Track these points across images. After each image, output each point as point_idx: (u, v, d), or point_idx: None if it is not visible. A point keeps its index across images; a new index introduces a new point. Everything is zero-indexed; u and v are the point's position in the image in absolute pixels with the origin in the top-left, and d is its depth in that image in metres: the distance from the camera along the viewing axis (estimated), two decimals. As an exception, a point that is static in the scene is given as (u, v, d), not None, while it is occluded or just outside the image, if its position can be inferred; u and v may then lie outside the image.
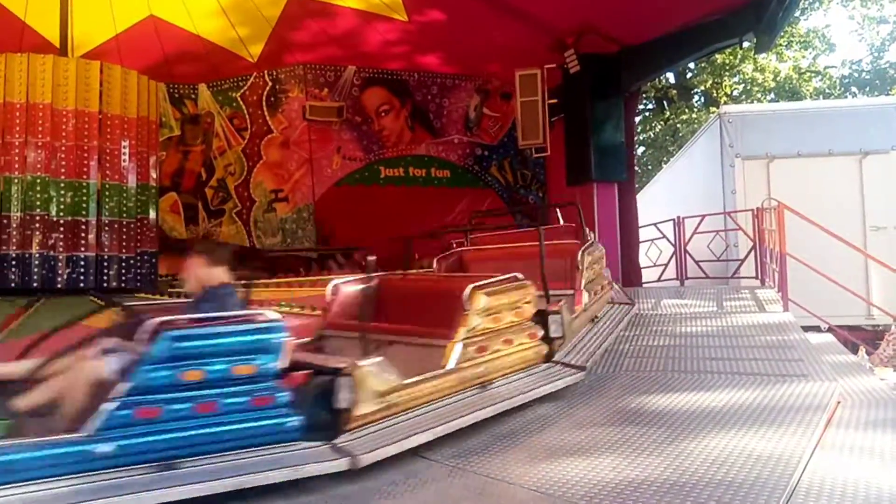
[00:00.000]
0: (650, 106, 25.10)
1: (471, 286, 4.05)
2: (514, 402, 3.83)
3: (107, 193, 7.69)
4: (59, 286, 7.26)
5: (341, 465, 2.89)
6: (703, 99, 24.37)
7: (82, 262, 7.47)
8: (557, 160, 10.00)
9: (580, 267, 5.49)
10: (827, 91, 23.22)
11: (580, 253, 5.59)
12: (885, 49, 23.55)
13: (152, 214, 8.30)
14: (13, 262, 7.24)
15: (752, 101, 22.22)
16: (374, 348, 4.06)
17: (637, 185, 12.00)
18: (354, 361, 3.28)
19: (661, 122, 24.47)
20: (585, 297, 5.39)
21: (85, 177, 7.55)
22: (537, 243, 5.09)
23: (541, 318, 4.45)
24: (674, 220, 9.94)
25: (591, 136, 9.03)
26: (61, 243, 7.39)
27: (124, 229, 7.80)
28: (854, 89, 23.34)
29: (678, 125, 22.95)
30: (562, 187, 9.98)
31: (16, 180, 7.32)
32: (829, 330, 7.74)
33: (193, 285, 3.54)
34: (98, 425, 2.64)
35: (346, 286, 4.84)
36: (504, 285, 4.25)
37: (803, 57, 23.96)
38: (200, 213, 11.62)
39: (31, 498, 2.46)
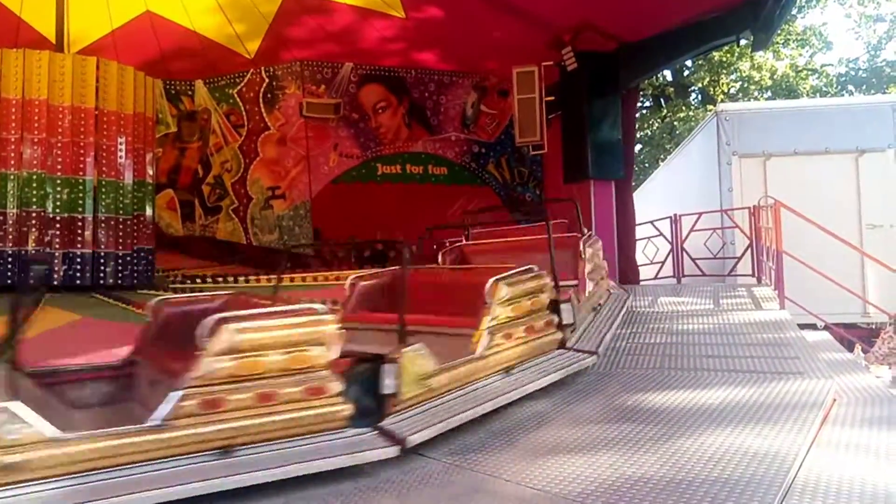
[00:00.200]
0: (647, 103, 25.11)
1: (493, 278, 4.20)
2: (537, 384, 4.04)
3: (103, 190, 7.67)
4: (55, 283, 7.24)
5: (390, 451, 3.02)
6: (700, 97, 24.40)
7: (79, 259, 7.46)
8: (555, 158, 10.00)
9: (583, 257, 5.68)
10: (824, 89, 23.26)
11: (581, 244, 5.77)
12: (882, 47, 23.61)
13: (149, 211, 8.28)
14: (9, 259, 7.22)
15: (749, 99, 22.26)
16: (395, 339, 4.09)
17: (634, 183, 12.00)
18: (398, 347, 3.41)
19: (659, 120, 24.49)
20: (589, 286, 5.61)
21: (81, 173, 7.53)
22: (535, 237, 5.19)
23: (553, 306, 4.66)
24: (671, 217, 9.96)
25: (589, 133, 9.03)
26: (58, 240, 7.37)
27: (121, 226, 7.78)
28: (851, 87, 23.38)
29: (675, 123, 22.97)
30: (559, 185, 9.99)
31: (12, 177, 7.30)
32: (826, 327, 7.78)
33: None
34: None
35: (364, 280, 5.04)
36: (522, 276, 4.43)
37: (800, 55, 24.00)
38: (197, 209, 11.61)
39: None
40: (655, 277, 10.14)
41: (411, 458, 3.15)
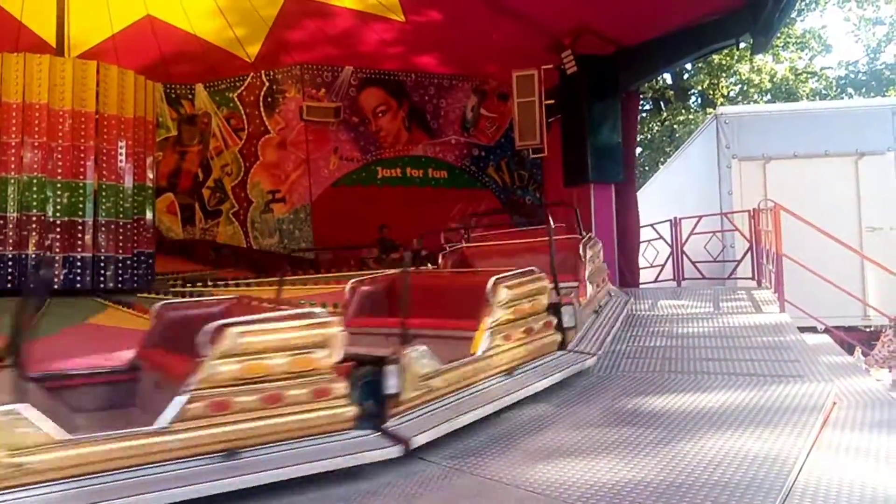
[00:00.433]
0: (647, 107, 25.13)
1: (493, 279, 4.22)
2: (539, 385, 4.07)
3: (103, 194, 7.69)
4: (55, 287, 7.24)
5: (393, 451, 3.05)
6: (699, 100, 24.42)
7: (79, 263, 7.46)
8: (554, 161, 10.01)
9: (583, 259, 5.69)
10: (823, 92, 23.28)
11: (582, 246, 5.77)
12: (881, 50, 23.63)
13: (149, 215, 8.29)
14: (10, 263, 7.22)
15: (748, 102, 22.27)
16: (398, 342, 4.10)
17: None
18: (400, 349, 3.42)
19: (658, 123, 24.52)
20: (590, 288, 5.61)
21: (81, 177, 7.54)
22: (535, 239, 5.20)
23: (554, 309, 4.67)
24: (671, 220, 9.95)
25: (588, 137, 9.04)
26: (58, 244, 7.37)
27: (121, 230, 7.79)
28: (850, 90, 23.40)
29: (675, 126, 22.99)
30: (559, 188, 9.99)
31: (12, 181, 7.31)
32: (826, 331, 7.77)
33: None
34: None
35: (364, 285, 5.04)
36: (522, 278, 4.45)
37: (799, 58, 24.02)
38: (197, 213, 11.62)
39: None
40: (655, 280, 10.13)
41: (412, 462, 3.15)
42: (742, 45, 9.02)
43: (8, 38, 9.66)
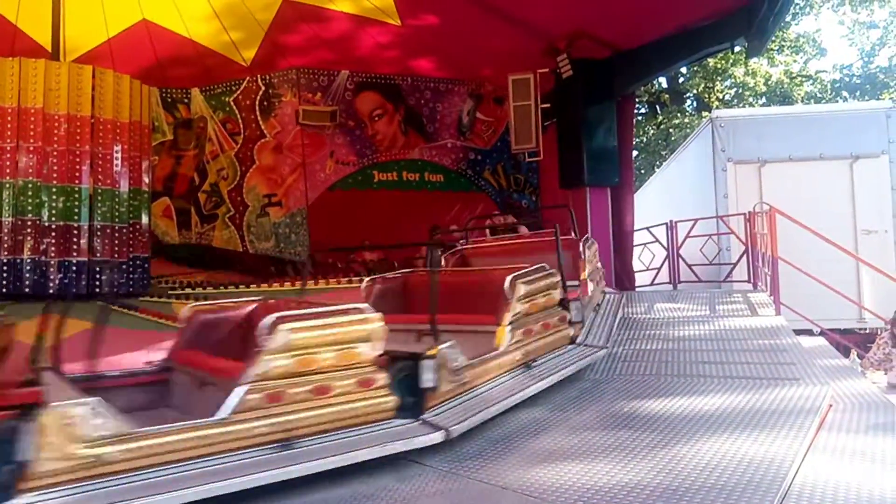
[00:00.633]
0: (643, 110, 25.19)
1: (511, 276, 4.37)
2: (556, 377, 4.26)
3: (99, 198, 7.66)
4: (50, 291, 7.22)
5: (436, 437, 3.21)
6: (695, 103, 24.50)
7: (74, 268, 7.44)
8: (550, 164, 10.03)
9: (583, 258, 5.81)
10: (818, 95, 23.39)
11: (581, 246, 5.90)
12: (876, 54, 23.76)
13: (145, 219, 8.27)
14: (4, 268, 7.20)
15: (743, 106, 22.35)
16: (420, 338, 4.18)
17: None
18: (434, 344, 3.60)
19: (654, 127, 24.59)
20: (591, 286, 5.76)
21: (77, 181, 7.51)
22: (533, 240, 5.26)
23: (562, 305, 4.86)
24: (666, 224, 9.98)
25: (584, 140, 9.06)
26: (53, 248, 7.35)
27: (116, 234, 7.77)
28: (845, 94, 23.51)
29: (670, 129, 23.06)
30: (555, 191, 10.01)
31: (7, 185, 7.28)
32: (821, 333, 7.80)
33: None
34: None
35: (379, 283, 5.20)
36: (536, 275, 4.59)
37: (794, 61, 24.13)
38: (193, 217, 11.60)
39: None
40: (651, 283, 10.15)
41: (408, 466, 3.15)
42: (737, 48, 9.07)
43: (3, 42, 9.64)
